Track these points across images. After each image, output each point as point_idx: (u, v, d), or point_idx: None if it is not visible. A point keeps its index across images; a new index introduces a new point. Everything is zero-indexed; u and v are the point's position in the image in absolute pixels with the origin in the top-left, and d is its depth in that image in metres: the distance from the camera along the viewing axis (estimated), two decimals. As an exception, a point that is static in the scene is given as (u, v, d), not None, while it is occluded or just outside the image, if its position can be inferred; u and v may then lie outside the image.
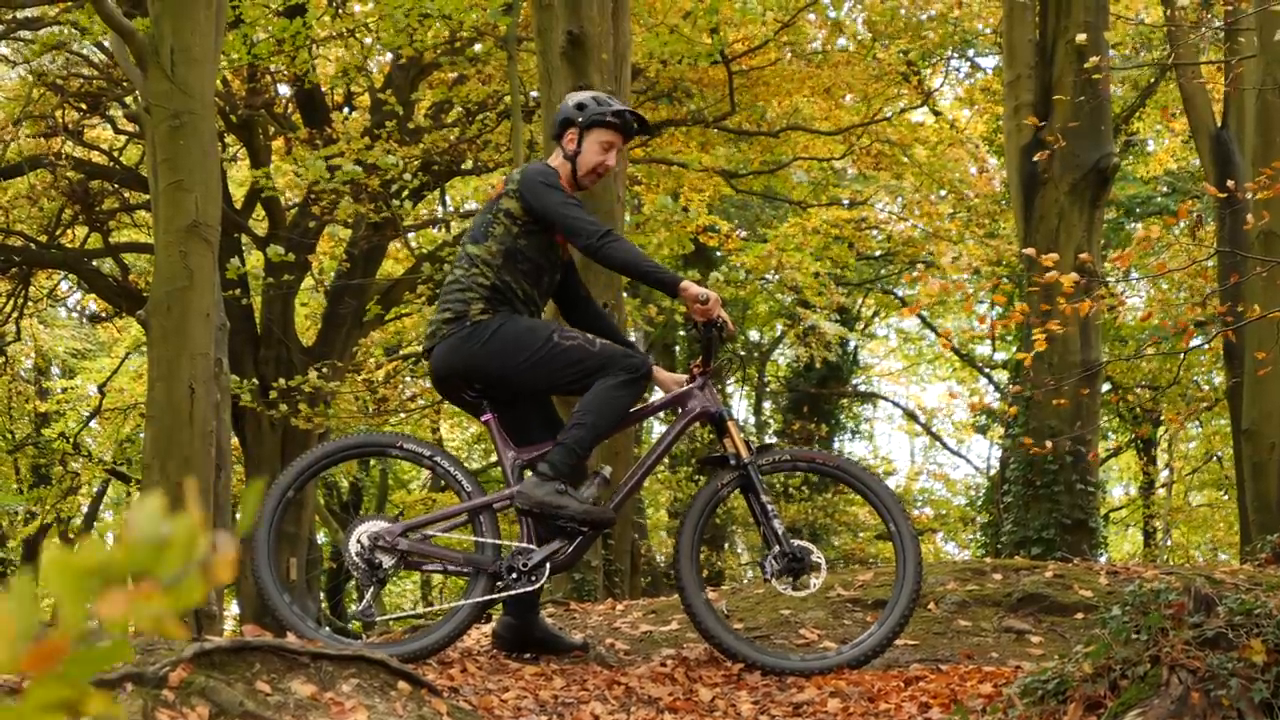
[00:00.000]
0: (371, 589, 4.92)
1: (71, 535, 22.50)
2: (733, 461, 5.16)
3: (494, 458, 22.02)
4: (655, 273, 5.12)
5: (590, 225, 5.05)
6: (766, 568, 5.07)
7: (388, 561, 4.91)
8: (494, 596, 4.95)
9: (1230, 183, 7.04)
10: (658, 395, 5.41)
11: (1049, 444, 9.25)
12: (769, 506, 5.11)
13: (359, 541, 4.92)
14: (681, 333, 21.53)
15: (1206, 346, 15.81)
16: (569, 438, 4.99)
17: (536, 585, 4.97)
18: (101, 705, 0.91)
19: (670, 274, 5.17)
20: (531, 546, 4.98)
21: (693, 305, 5.04)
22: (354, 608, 4.92)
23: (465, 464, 5.17)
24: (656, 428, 21.35)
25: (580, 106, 5.24)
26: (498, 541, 4.98)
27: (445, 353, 5.06)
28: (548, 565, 4.98)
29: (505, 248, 5.10)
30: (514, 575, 4.93)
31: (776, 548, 5.06)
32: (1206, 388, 20.31)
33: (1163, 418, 20.36)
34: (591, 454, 5.17)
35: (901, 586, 5.01)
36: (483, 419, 5.13)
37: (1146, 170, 20.04)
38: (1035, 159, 9.95)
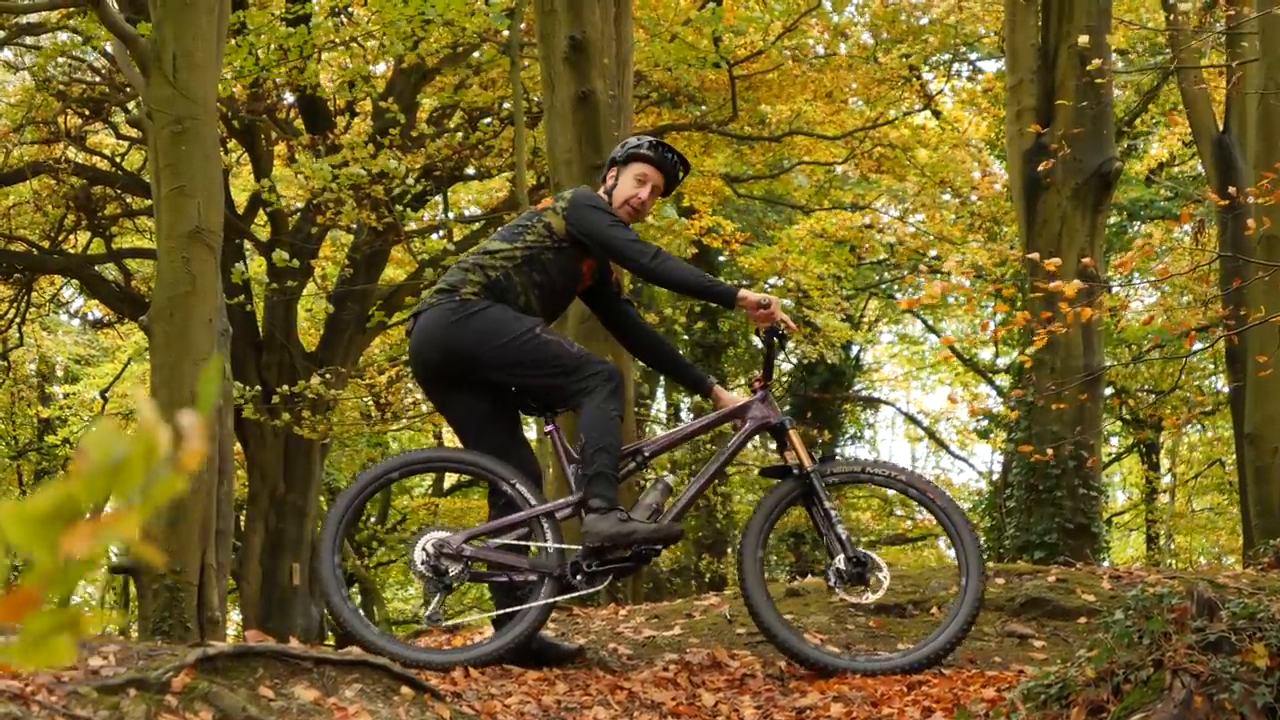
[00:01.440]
0: (438, 596, 4.94)
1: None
2: (795, 471, 5.15)
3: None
4: (712, 286, 5.16)
5: (640, 244, 5.08)
6: (831, 576, 5.05)
7: (454, 569, 4.93)
8: (560, 598, 5.00)
9: (1232, 188, 7.04)
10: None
11: (1049, 451, 9.23)
12: (833, 514, 5.10)
13: (424, 550, 4.94)
14: (685, 336, 21.51)
15: (1209, 351, 15.80)
16: (597, 468, 4.98)
17: (600, 587, 5.03)
18: (104, 623, 0.91)
19: (726, 285, 5.20)
20: None
21: (755, 312, 5.04)
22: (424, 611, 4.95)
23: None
24: (648, 437, 21.33)
25: (623, 145, 5.32)
26: (562, 545, 5.01)
27: (426, 323, 5.05)
28: (612, 569, 5.03)
29: (530, 253, 5.11)
30: (580, 577, 4.97)
31: (842, 555, 5.05)
32: (1208, 392, 20.29)
33: (1164, 423, 20.36)
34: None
35: (962, 601, 5.00)
36: (546, 429, 5.20)
37: (1144, 169, 20.02)
38: (1040, 168, 9.95)
